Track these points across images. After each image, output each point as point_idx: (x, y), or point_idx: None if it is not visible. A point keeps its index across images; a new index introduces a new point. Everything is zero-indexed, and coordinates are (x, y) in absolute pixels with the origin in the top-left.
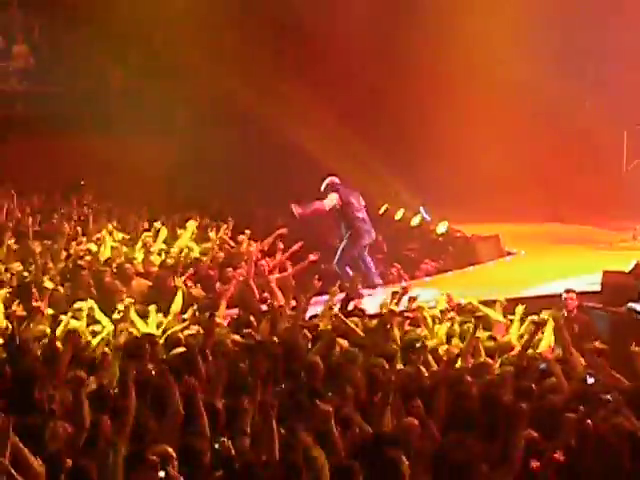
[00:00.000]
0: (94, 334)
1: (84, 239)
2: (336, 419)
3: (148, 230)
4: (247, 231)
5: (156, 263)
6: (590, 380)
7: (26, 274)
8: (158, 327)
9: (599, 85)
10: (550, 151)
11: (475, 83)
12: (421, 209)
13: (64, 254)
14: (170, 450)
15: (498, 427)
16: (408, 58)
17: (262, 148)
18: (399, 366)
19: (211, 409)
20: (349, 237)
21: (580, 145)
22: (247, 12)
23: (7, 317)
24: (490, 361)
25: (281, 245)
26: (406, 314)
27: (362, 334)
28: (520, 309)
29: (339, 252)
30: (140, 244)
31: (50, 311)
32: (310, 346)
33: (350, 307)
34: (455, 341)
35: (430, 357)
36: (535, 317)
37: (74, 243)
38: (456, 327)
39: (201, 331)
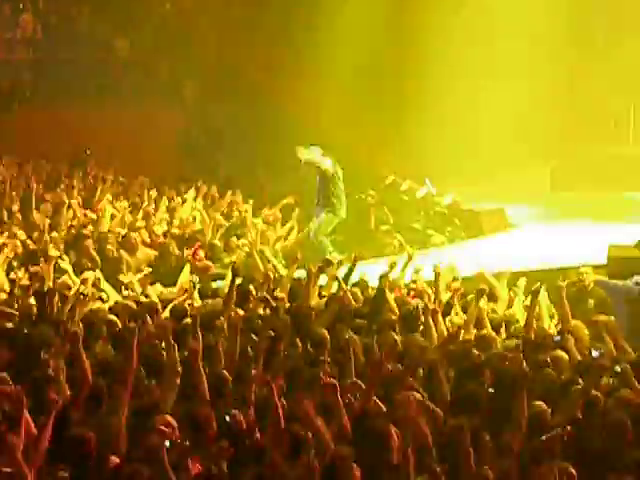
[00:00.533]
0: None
1: (87, 210)
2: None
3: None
4: (251, 201)
5: (159, 233)
6: (595, 353)
7: (29, 242)
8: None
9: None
10: (554, 120)
11: (479, 54)
12: (426, 181)
13: (68, 223)
14: (172, 420)
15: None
16: (413, 28)
17: (270, 120)
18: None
19: (217, 378)
20: (331, 209)
21: (587, 115)
22: None
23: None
24: (493, 334)
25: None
26: (409, 285)
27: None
28: (522, 281)
29: (317, 224)
30: (141, 213)
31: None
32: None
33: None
34: (457, 312)
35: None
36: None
37: (78, 212)
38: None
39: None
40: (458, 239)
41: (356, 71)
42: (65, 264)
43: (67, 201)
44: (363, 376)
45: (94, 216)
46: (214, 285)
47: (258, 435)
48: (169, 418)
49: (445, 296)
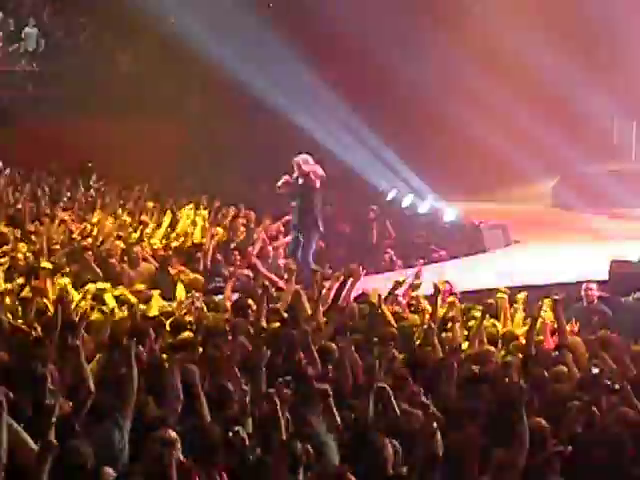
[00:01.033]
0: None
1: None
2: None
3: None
4: (252, 214)
5: (159, 246)
6: (594, 370)
7: (30, 255)
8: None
9: (611, 70)
10: (563, 137)
11: (489, 69)
12: (429, 196)
13: (64, 236)
14: (173, 434)
15: (504, 414)
16: (419, 42)
17: (272, 135)
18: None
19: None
20: (318, 226)
21: (590, 132)
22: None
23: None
24: (492, 349)
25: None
26: (405, 300)
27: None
28: (521, 297)
29: (306, 242)
30: (141, 227)
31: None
32: None
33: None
34: (455, 327)
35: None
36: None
37: (73, 226)
38: (455, 313)
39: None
40: (460, 254)
41: (360, 87)
42: (62, 279)
43: (59, 215)
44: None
45: (93, 229)
46: (215, 299)
47: (259, 451)
48: (172, 433)
49: (442, 311)
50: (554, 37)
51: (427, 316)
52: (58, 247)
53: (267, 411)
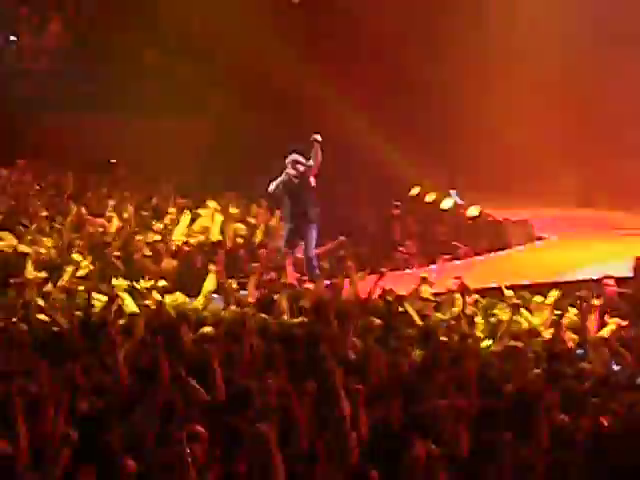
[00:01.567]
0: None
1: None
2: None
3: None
4: (277, 212)
5: (180, 242)
6: (616, 367)
7: (53, 251)
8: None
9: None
10: (584, 136)
11: (511, 67)
12: (452, 192)
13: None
14: (202, 430)
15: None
16: (443, 41)
17: (294, 132)
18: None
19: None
20: (314, 220)
21: (614, 129)
22: None
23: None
24: (520, 344)
25: None
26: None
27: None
28: (554, 294)
29: (312, 239)
30: (163, 222)
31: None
32: None
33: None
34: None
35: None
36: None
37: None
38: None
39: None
40: (484, 251)
41: (383, 84)
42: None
43: (84, 210)
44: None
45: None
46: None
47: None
48: (199, 428)
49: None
50: (579, 33)
51: (448, 314)
52: (81, 243)
53: (289, 407)
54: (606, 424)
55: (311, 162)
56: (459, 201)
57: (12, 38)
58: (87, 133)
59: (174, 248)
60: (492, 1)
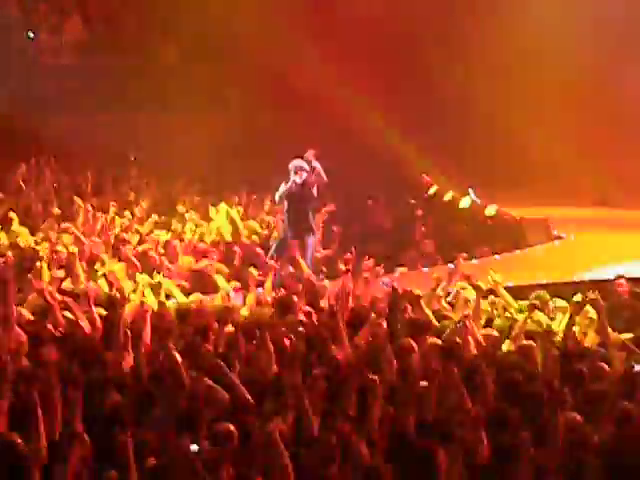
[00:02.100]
0: None
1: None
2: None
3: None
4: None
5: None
6: (637, 367)
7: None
8: None
9: None
10: (602, 135)
11: (528, 66)
12: (470, 191)
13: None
14: (232, 428)
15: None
16: (459, 41)
17: (310, 131)
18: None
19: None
20: (314, 231)
21: (629, 129)
22: None
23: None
24: (534, 344)
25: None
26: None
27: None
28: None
29: (313, 246)
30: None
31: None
32: None
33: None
34: (498, 323)
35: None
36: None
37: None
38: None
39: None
40: (502, 250)
41: (401, 84)
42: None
43: (99, 207)
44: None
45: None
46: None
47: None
48: (229, 426)
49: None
50: (596, 33)
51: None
52: (98, 240)
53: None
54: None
55: (322, 174)
56: (477, 200)
57: (30, 35)
58: (104, 130)
59: (190, 247)
60: (508, 0)
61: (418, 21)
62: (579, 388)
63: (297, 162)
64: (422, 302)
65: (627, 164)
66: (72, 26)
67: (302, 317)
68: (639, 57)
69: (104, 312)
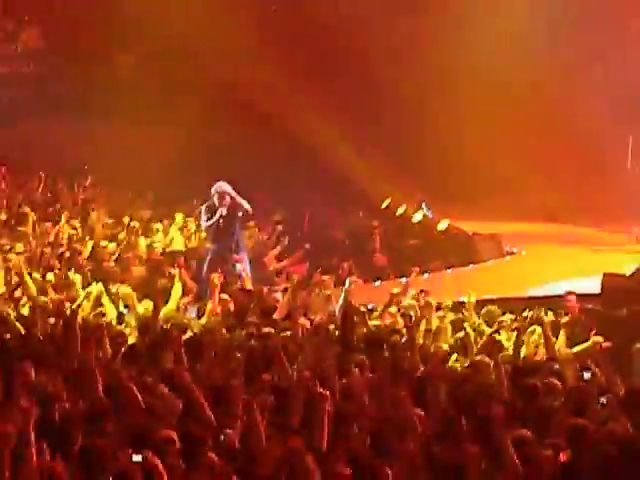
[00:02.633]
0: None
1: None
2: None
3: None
4: (251, 222)
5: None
6: (586, 375)
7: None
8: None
9: (606, 86)
10: (553, 151)
11: (480, 82)
12: (423, 205)
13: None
14: (174, 435)
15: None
16: (414, 55)
17: (261, 147)
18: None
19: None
20: (236, 251)
21: (580, 145)
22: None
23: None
24: (487, 360)
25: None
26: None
27: None
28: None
29: (249, 267)
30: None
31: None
32: None
33: None
34: (445, 338)
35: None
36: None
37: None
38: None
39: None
40: (454, 264)
41: (354, 98)
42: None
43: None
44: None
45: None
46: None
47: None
48: (171, 433)
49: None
50: (549, 49)
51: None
52: (49, 250)
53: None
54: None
55: (244, 205)
56: (429, 214)
57: None
58: (56, 137)
59: (143, 257)
60: (459, 18)
61: (371, 37)
62: (531, 403)
63: (222, 186)
64: (368, 317)
65: (577, 180)
66: (29, 35)
67: (253, 330)
68: (590, 74)
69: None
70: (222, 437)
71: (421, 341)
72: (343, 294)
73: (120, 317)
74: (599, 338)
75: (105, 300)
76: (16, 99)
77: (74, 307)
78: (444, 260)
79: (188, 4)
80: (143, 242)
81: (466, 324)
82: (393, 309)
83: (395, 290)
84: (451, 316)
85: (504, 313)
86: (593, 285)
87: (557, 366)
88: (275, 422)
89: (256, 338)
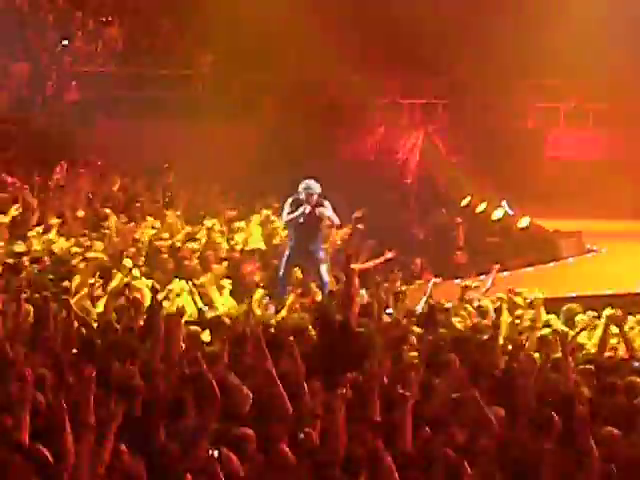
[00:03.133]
0: None
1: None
2: None
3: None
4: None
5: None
6: None
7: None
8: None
9: None
10: (634, 148)
11: (559, 82)
12: (504, 203)
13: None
14: (251, 433)
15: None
16: (491, 54)
17: (346, 138)
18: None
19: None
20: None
21: None
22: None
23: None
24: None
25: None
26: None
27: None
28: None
29: (328, 272)
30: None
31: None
32: None
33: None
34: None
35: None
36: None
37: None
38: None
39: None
40: (535, 262)
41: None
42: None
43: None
44: None
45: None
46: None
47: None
48: (248, 431)
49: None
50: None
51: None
52: (133, 249)
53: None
54: None
55: (334, 220)
56: (510, 212)
57: (64, 42)
58: (137, 137)
59: (223, 255)
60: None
61: (454, 36)
62: (612, 402)
63: (309, 184)
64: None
65: None
66: (109, 34)
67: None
68: None
69: None
70: (301, 435)
71: (501, 341)
72: (428, 291)
73: (200, 314)
74: None
75: (185, 297)
76: (96, 98)
77: (157, 301)
78: (524, 258)
79: (268, 3)
80: (224, 240)
81: (551, 322)
82: (469, 307)
83: (467, 283)
84: (530, 314)
85: (584, 311)
86: None
87: (637, 364)
88: (355, 420)
89: (339, 336)
